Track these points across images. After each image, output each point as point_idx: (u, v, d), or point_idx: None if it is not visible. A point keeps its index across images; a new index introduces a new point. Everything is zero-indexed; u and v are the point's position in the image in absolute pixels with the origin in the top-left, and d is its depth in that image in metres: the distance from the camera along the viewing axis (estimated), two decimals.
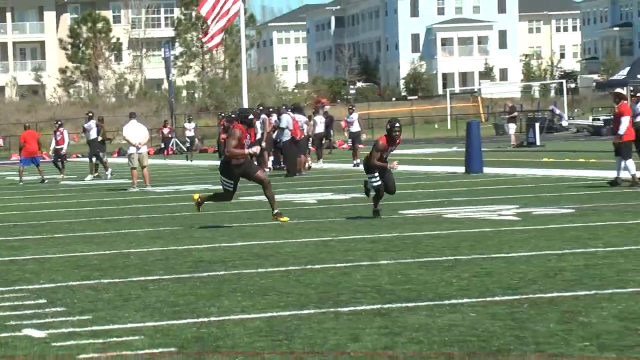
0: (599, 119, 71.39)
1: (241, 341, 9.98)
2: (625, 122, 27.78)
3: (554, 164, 39.56)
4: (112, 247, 18.18)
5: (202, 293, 12.87)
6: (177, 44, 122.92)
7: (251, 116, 21.79)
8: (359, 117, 49.11)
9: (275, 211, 21.16)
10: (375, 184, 21.56)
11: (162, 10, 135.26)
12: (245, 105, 53.36)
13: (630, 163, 27.65)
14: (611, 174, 28.93)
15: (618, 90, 32.06)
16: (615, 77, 73.80)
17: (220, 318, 11.15)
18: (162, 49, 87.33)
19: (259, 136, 40.30)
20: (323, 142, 48.30)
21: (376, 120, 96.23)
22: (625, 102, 29.07)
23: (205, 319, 11.08)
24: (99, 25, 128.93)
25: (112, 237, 20.13)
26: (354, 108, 50.73)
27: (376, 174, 21.46)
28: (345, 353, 9.33)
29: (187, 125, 70.04)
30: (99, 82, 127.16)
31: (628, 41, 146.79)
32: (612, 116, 35.89)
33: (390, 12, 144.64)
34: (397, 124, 21.76)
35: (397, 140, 21.66)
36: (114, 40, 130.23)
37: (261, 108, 46.95)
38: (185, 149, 69.25)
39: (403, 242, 17.43)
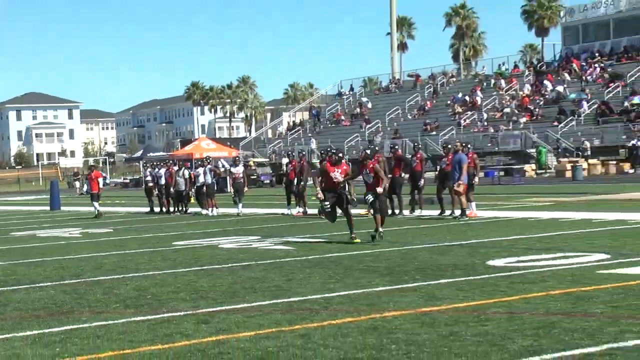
0: (127, 179, 71.44)
1: None
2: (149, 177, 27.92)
3: (113, 203, 38.66)
4: None
5: None
6: None
7: (339, 156, 15.66)
8: None
9: (352, 235, 15.12)
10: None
11: None
12: None
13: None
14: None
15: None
16: (135, 155, 73.58)
17: None
18: None
19: None
20: None
21: None
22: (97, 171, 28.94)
23: None
24: None
25: None
26: None
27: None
28: None
29: None
30: None
31: (142, 135, 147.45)
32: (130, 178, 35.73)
33: (4, 118, 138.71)
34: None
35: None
36: None
37: None
38: None
39: (17, 247, 16.46)
